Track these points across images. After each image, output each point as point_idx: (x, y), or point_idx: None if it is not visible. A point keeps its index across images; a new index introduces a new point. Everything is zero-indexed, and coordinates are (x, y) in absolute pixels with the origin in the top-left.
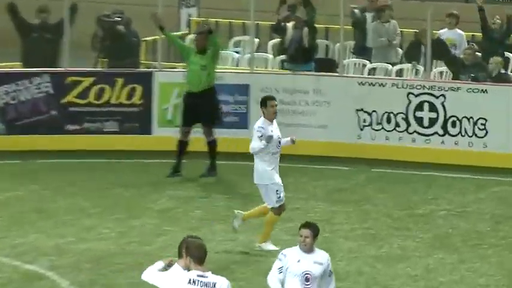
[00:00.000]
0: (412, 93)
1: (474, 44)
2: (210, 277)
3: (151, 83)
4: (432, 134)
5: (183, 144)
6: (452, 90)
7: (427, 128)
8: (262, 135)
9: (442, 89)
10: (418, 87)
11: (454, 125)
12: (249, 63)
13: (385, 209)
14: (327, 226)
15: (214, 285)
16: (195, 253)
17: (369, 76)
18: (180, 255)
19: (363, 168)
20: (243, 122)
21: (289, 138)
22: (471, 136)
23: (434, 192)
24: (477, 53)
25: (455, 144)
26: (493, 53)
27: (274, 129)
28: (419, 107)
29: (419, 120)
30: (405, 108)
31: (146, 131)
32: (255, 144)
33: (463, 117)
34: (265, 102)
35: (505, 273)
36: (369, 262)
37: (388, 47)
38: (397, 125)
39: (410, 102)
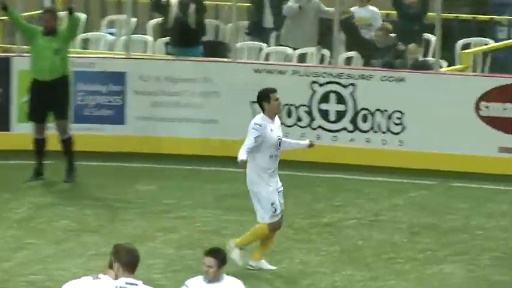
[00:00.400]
0: (317, 82)
1: (387, 24)
2: (141, 286)
3: (9, 71)
4: (340, 130)
5: (39, 142)
6: (363, 78)
7: (333, 122)
8: (259, 136)
9: (351, 77)
10: (324, 75)
11: (365, 119)
12: (125, 47)
13: (284, 218)
14: (217, 238)
15: None
16: (123, 258)
17: (266, 62)
18: (110, 266)
19: None
20: (118, 116)
21: (307, 141)
22: (385, 132)
23: (342, 198)
24: (391, 34)
25: (367, 141)
26: (410, 33)
27: (274, 128)
28: (325, 98)
29: (324, 114)
30: (308, 100)
31: (3, 128)
32: (243, 148)
33: (376, 110)
34: (267, 95)
35: None
36: (266, 279)
37: (301, 16)
38: (299, 119)
39: (314, 92)
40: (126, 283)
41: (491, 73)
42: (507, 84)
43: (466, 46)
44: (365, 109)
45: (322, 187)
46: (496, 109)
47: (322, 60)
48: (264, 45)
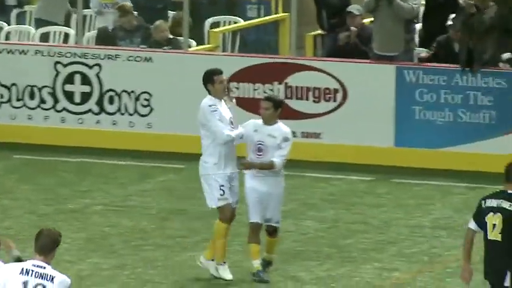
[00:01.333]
0: (61, 63)
1: (126, 4)
2: (49, 269)
3: None
4: (85, 112)
5: None
6: (109, 58)
7: (79, 104)
8: (220, 118)
9: (97, 57)
10: (68, 55)
11: (111, 101)
12: None
13: (28, 204)
14: None
15: (52, 279)
16: (39, 241)
17: (7, 41)
18: None
19: (4, 155)
20: None
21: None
22: (132, 114)
23: (89, 183)
24: (135, 12)
25: (114, 124)
26: (154, 11)
27: (224, 109)
28: (70, 79)
29: (69, 96)
30: (52, 81)
31: None
32: (222, 130)
33: (123, 91)
34: (210, 77)
35: (174, 279)
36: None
37: None
38: (43, 101)
39: (58, 73)
40: (33, 265)
41: (240, 53)
42: (257, 64)
43: (215, 25)
44: (111, 90)
45: (68, 172)
46: (247, 89)
47: (66, 40)
48: (3, 24)
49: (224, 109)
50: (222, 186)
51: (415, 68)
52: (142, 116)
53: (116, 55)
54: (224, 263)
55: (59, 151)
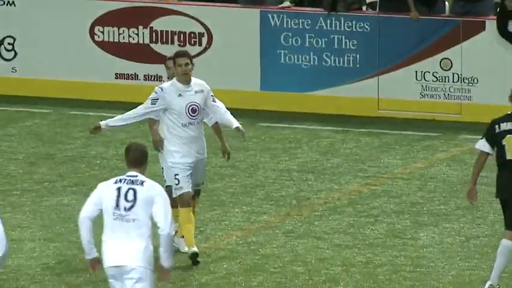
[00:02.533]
0: None
1: None
2: (140, 176)
3: None
4: None
5: None
6: None
7: None
8: (157, 100)
9: None
10: None
11: None
12: None
13: None
14: None
15: (142, 183)
16: (129, 155)
17: None
18: None
19: None
20: None
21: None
22: None
23: None
24: None
25: None
26: None
27: (186, 94)
28: None
29: None
30: None
31: None
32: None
33: None
34: (172, 60)
35: (43, 223)
36: None
37: None
38: None
39: None
40: (127, 175)
41: None
42: (122, 8)
43: None
44: None
45: None
46: (111, 33)
47: None
48: None
49: (189, 93)
50: (177, 175)
51: (279, 12)
52: (7, 60)
53: None
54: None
55: None
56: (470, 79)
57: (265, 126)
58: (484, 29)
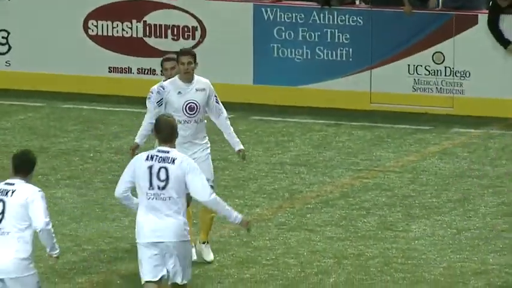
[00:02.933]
0: None
1: None
2: (171, 153)
3: None
4: None
5: None
6: None
7: None
8: (161, 99)
9: None
10: None
11: None
12: None
13: None
14: None
15: (174, 161)
16: (159, 130)
17: None
18: None
19: None
20: None
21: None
22: None
23: None
24: None
25: None
26: None
27: (186, 91)
28: None
29: None
30: None
31: None
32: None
33: None
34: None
35: None
36: None
37: None
38: None
39: None
40: (158, 150)
41: None
42: (115, 2)
43: None
44: None
45: None
46: (105, 27)
47: None
48: None
49: (189, 91)
50: None
51: (272, 6)
52: (1, 54)
53: None
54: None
55: None
56: (462, 73)
57: (257, 120)
58: (476, 23)
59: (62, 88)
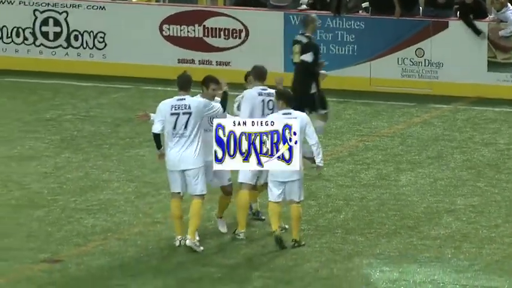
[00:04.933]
0: (38, 10)
1: None
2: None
3: None
4: (57, 47)
5: None
6: (73, 7)
7: (52, 41)
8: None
9: (64, 6)
10: (43, 4)
11: (76, 38)
12: None
13: (15, 115)
14: None
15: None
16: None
17: None
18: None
19: None
20: None
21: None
22: (92, 48)
23: (60, 99)
24: None
25: (78, 55)
26: None
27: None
28: (45, 22)
29: (45, 34)
30: (32, 24)
31: None
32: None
33: (84, 31)
34: (206, 82)
35: (125, 168)
36: (3, 162)
37: None
38: (26, 38)
39: (36, 18)
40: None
41: (170, 3)
42: (182, 11)
43: None
44: (76, 30)
45: (45, 90)
46: (175, 30)
47: None
48: None
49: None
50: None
51: (298, 14)
52: (99, 49)
53: (78, 5)
54: (221, 217)
55: (38, 75)
56: (437, 64)
57: None
58: (447, 27)
59: (143, 74)
